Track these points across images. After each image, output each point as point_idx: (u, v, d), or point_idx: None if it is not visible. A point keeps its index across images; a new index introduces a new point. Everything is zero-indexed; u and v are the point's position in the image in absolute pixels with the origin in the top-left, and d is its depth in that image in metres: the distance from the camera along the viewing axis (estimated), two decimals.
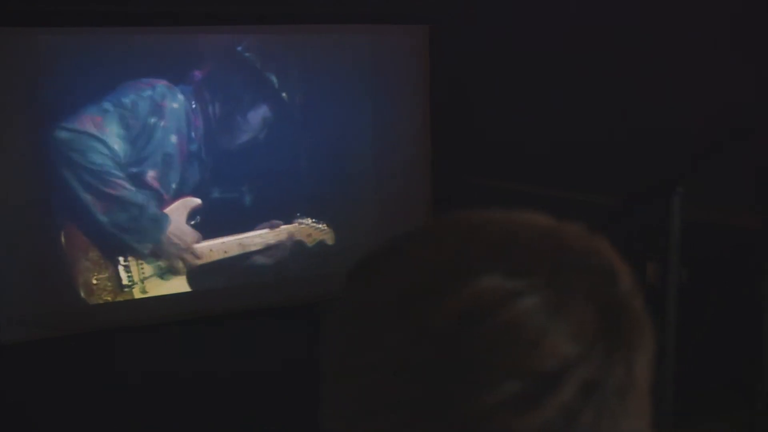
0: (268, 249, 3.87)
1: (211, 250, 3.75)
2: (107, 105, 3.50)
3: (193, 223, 3.72)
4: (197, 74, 3.69)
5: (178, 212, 3.68)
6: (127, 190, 3.56)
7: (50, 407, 3.13)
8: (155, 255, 3.67)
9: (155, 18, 3.55)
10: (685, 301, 3.15)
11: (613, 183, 2.82)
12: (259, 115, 3.84)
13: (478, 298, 0.43)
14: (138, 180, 3.59)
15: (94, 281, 3.59)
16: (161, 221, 3.66)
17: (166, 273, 3.69)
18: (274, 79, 3.88)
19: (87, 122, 3.47)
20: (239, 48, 3.83)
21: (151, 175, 3.62)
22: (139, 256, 3.64)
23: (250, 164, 3.84)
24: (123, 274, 3.62)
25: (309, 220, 3.94)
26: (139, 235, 3.62)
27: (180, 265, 3.70)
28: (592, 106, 3.11)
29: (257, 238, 3.86)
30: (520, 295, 0.43)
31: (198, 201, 3.72)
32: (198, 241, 3.71)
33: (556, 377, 0.41)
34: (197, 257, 3.72)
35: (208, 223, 3.75)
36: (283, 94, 3.91)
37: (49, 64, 3.38)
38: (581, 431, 0.41)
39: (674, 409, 1.48)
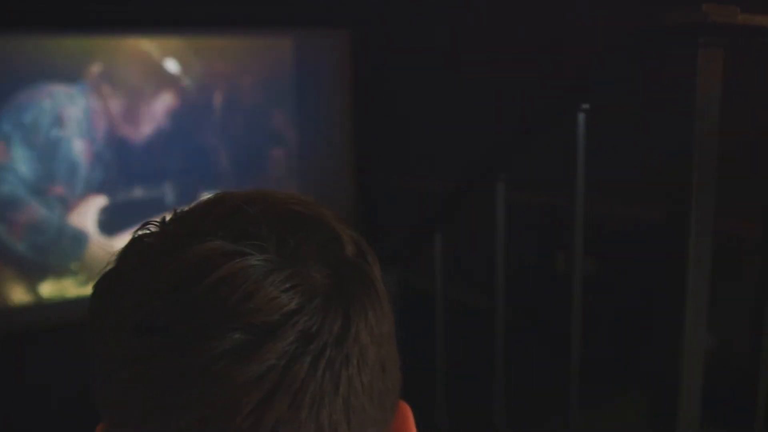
0: None
1: None
2: (7, 128, 3.39)
3: (102, 220, 3.65)
4: (94, 69, 3.60)
5: (87, 214, 3.61)
6: (41, 210, 3.48)
7: None
8: (82, 269, 3.61)
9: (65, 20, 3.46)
10: (595, 291, 3.24)
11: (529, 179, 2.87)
12: (163, 104, 3.78)
13: (200, 258, 0.45)
14: (50, 196, 3.52)
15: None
16: (81, 237, 3.59)
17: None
18: (179, 70, 3.83)
19: None
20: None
21: (61, 186, 3.55)
22: (65, 272, 3.57)
23: (172, 165, 3.80)
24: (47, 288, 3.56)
25: None
26: (62, 254, 3.56)
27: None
28: (507, 104, 3.17)
29: None
30: (240, 255, 0.45)
31: (105, 200, 3.65)
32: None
33: (275, 327, 0.44)
34: None
35: (128, 222, 3.70)
36: (192, 91, 3.86)
37: None
38: (300, 376, 0.44)
39: (580, 393, 1.52)
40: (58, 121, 3.52)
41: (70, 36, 3.51)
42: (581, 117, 1.42)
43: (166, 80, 3.77)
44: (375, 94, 4.00)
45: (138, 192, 3.71)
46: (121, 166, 3.69)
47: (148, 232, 0.51)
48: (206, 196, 0.54)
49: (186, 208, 0.53)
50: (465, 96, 3.41)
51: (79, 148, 3.59)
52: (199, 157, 3.86)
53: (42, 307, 3.58)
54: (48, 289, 3.60)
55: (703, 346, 1.33)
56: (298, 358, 0.44)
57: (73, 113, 3.55)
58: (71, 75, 3.54)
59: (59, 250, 3.56)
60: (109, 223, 3.69)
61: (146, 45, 3.74)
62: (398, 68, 3.92)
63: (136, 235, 0.52)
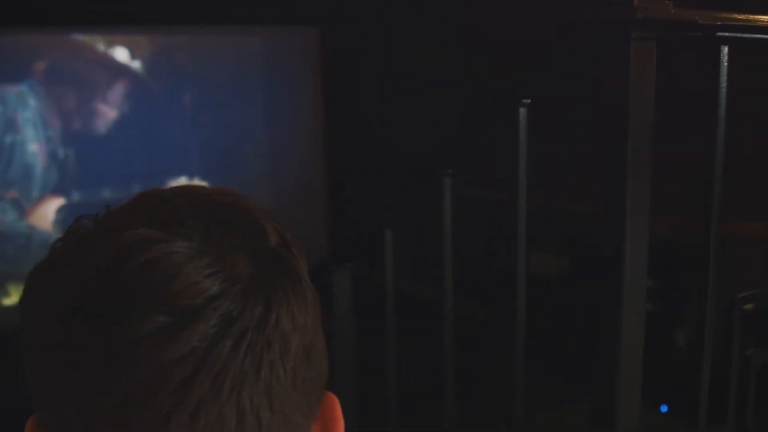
0: None
1: None
2: None
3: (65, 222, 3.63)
4: (40, 66, 3.55)
5: (43, 217, 3.58)
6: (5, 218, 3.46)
7: None
8: None
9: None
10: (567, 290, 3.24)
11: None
12: (125, 103, 3.76)
13: (126, 244, 0.47)
14: (12, 204, 3.49)
15: None
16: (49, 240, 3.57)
17: None
18: (143, 67, 3.81)
19: None
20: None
21: (15, 191, 3.52)
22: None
23: (138, 164, 3.78)
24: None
25: None
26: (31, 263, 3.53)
27: None
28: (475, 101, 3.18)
29: None
30: (163, 241, 0.47)
31: (61, 201, 3.63)
32: None
33: (197, 310, 0.45)
34: None
35: None
36: (158, 89, 3.84)
37: None
38: (222, 358, 0.46)
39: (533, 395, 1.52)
40: (12, 124, 3.47)
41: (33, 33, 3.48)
42: (522, 112, 1.42)
43: (130, 78, 3.74)
44: (345, 92, 4.00)
45: (105, 192, 3.69)
46: (85, 167, 3.66)
47: (81, 225, 0.53)
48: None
49: (117, 205, 0.55)
50: (435, 93, 3.41)
51: (36, 149, 3.54)
52: (165, 156, 3.84)
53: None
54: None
55: (641, 350, 1.33)
56: (219, 341, 0.46)
57: (26, 116, 3.51)
58: (19, 74, 3.49)
59: (27, 257, 3.51)
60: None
61: (110, 42, 3.71)
62: (368, 66, 3.92)
63: (70, 229, 0.53)
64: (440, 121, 2.89)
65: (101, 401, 0.46)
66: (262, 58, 4.05)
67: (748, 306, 1.62)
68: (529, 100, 1.41)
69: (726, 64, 1.37)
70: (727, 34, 1.33)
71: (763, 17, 1.41)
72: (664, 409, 2.98)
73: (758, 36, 1.40)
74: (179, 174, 3.89)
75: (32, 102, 3.52)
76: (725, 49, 1.36)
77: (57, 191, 3.61)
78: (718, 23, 1.32)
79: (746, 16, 1.36)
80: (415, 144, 3.38)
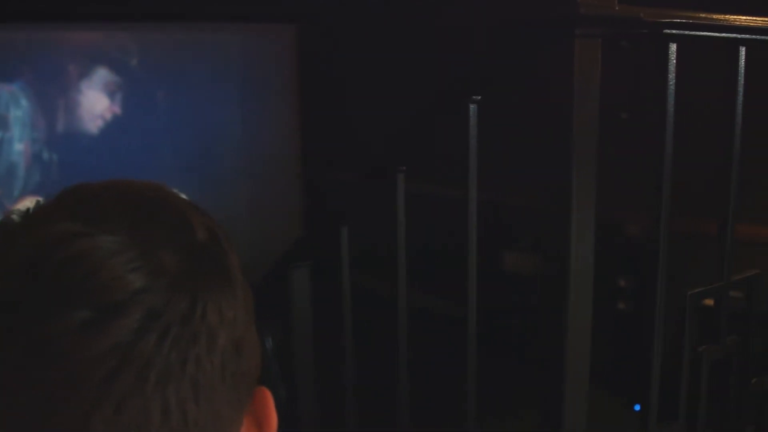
0: None
1: None
2: None
3: None
4: (30, 65, 3.54)
5: None
6: None
7: None
8: None
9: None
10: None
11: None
12: (103, 101, 3.74)
13: (50, 238, 0.47)
14: None
15: None
16: None
17: None
18: (121, 66, 3.79)
19: None
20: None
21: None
22: None
23: (114, 163, 3.76)
24: None
25: None
26: None
27: None
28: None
29: None
30: (87, 236, 0.47)
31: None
32: None
33: (120, 304, 0.45)
34: None
35: None
36: (135, 87, 3.83)
37: None
38: (146, 352, 0.45)
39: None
40: (3, 122, 3.45)
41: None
42: (473, 108, 1.41)
43: (107, 77, 3.72)
44: (321, 90, 3.99)
45: None
46: (61, 166, 3.64)
47: (8, 219, 0.52)
48: None
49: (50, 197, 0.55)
50: (398, 91, 3.41)
51: (20, 148, 3.53)
52: (142, 154, 3.82)
53: None
54: None
55: (587, 355, 1.33)
56: (143, 336, 0.45)
57: (17, 115, 3.50)
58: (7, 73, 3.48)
59: None
60: None
61: (87, 39, 3.70)
62: (345, 63, 3.91)
63: None
64: (399, 118, 2.90)
65: (23, 398, 0.45)
66: (239, 56, 4.03)
67: (708, 302, 1.63)
68: (479, 97, 1.41)
69: (674, 61, 1.37)
70: (674, 31, 1.34)
71: (710, 15, 1.41)
72: (637, 407, 3.00)
73: (705, 34, 1.40)
74: (158, 171, 3.87)
75: (13, 101, 3.50)
76: (673, 47, 1.36)
77: (37, 189, 3.59)
78: (664, 20, 1.32)
79: (693, 13, 1.37)
80: (382, 141, 3.39)
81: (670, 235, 1.46)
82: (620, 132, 2.88)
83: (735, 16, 1.46)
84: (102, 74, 3.72)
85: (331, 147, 3.98)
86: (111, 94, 3.76)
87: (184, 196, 0.56)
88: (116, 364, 0.45)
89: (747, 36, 1.47)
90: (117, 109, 3.79)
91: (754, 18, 1.51)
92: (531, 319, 3.03)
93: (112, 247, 0.47)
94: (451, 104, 1.45)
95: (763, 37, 1.50)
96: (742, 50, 1.48)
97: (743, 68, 1.48)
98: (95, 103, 3.72)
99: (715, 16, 1.43)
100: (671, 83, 1.37)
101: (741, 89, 1.49)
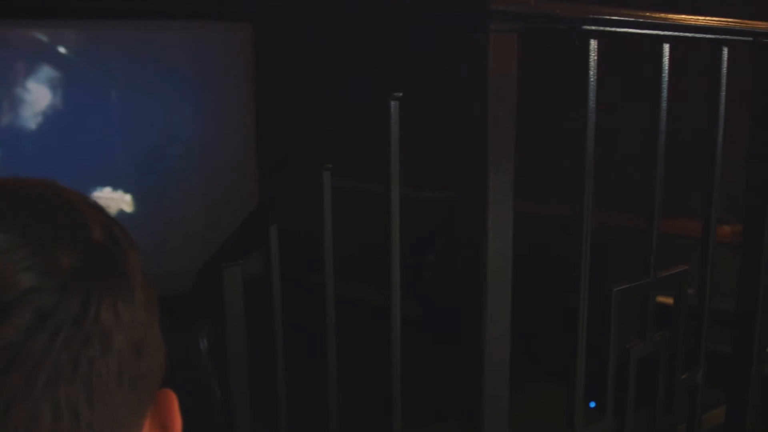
0: None
1: None
2: None
3: None
4: None
5: None
6: None
7: None
8: None
9: None
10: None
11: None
12: (53, 99, 3.69)
13: None
14: None
15: None
16: None
17: None
18: (72, 63, 3.74)
19: None
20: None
21: None
22: None
23: (65, 163, 3.70)
24: None
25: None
26: None
27: None
28: None
29: None
30: None
31: None
32: None
33: (9, 304, 0.44)
34: None
35: None
36: (87, 84, 3.78)
37: None
38: (36, 353, 0.45)
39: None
40: None
41: None
42: (394, 105, 1.40)
43: (57, 74, 3.67)
44: (278, 89, 3.97)
45: None
46: (5, 164, 3.58)
47: None
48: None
49: None
50: (336, 87, 3.40)
51: None
52: (94, 154, 3.78)
53: None
54: None
55: (507, 361, 1.31)
56: (33, 336, 0.45)
57: None
58: None
59: None
60: None
61: (35, 36, 3.64)
62: (302, 61, 3.89)
63: None
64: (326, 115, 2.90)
65: None
66: (195, 53, 4.00)
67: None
68: (401, 93, 1.40)
69: (595, 57, 1.37)
70: (593, 27, 1.33)
71: (634, 11, 1.42)
72: (592, 404, 3.01)
73: (627, 30, 1.40)
74: (108, 170, 3.83)
75: None
76: (594, 43, 1.36)
77: None
78: (582, 16, 1.31)
79: (613, 9, 1.36)
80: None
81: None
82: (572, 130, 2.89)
83: (659, 14, 1.47)
84: (48, 72, 3.67)
85: (287, 144, 3.96)
86: (60, 93, 3.70)
87: (82, 194, 0.55)
88: (5, 365, 0.44)
89: (670, 33, 1.48)
90: (68, 108, 3.74)
91: (680, 16, 1.51)
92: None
93: (3, 246, 0.46)
94: (374, 101, 1.43)
95: (686, 34, 1.51)
96: (666, 47, 1.48)
97: (667, 65, 1.49)
98: (42, 101, 3.66)
99: (639, 13, 1.44)
100: (592, 80, 1.37)
101: (665, 86, 1.49)
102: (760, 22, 1.62)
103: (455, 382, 1.43)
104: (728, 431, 1.83)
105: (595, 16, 1.33)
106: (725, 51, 1.59)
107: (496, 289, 1.28)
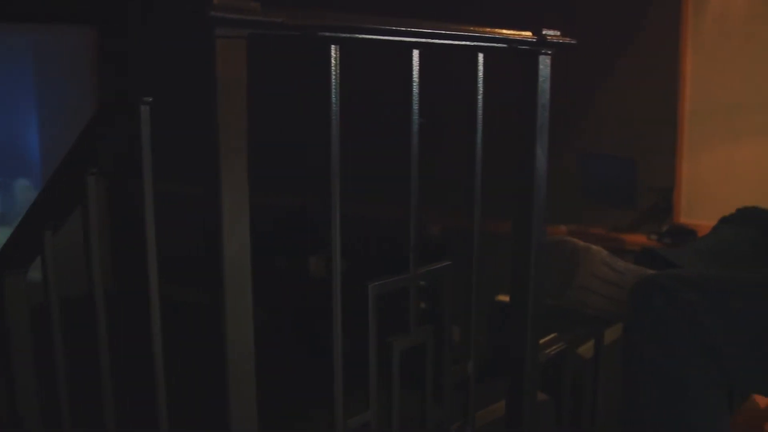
0: None
1: None
2: None
3: None
4: None
5: None
6: None
7: None
8: None
9: None
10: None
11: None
12: None
13: None
14: None
15: None
16: None
17: None
18: None
19: None
20: None
21: None
22: None
23: None
24: None
25: None
26: None
27: None
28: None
29: None
30: None
31: None
32: None
33: None
34: None
35: None
36: None
37: None
38: None
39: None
40: None
41: None
42: (145, 110, 1.42)
43: None
44: (121, 92, 3.91)
45: None
46: None
47: None
48: None
49: None
50: None
51: None
52: None
53: None
54: None
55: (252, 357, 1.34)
56: None
57: None
58: None
59: None
60: None
61: None
62: (147, 66, 3.85)
63: None
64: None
65: None
66: (36, 57, 3.90)
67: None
68: (150, 98, 1.42)
69: (338, 63, 1.42)
70: (329, 33, 1.39)
71: (384, 18, 1.48)
72: None
73: (372, 37, 1.46)
74: None
75: None
76: (335, 49, 1.41)
77: None
78: (320, 23, 1.36)
79: (357, 15, 1.42)
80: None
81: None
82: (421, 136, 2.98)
83: (410, 20, 1.54)
84: None
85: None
86: None
87: None
88: None
89: (421, 40, 1.55)
90: None
91: (434, 22, 1.59)
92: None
93: None
94: (127, 105, 1.45)
95: (438, 41, 1.58)
96: (416, 53, 1.56)
97: (417, 71, 1.56)
98: None
99: (387, 20, 1.50)
100: (334, 85, 1.42)
101: (416, 89, 1.57)
102: (515, 31, 1.71)
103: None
104: (509, 422, 1.92)
105: (334, 23, 1.38)
106: (481, 57, 1.68)
107: (234, 286, 1.31)
